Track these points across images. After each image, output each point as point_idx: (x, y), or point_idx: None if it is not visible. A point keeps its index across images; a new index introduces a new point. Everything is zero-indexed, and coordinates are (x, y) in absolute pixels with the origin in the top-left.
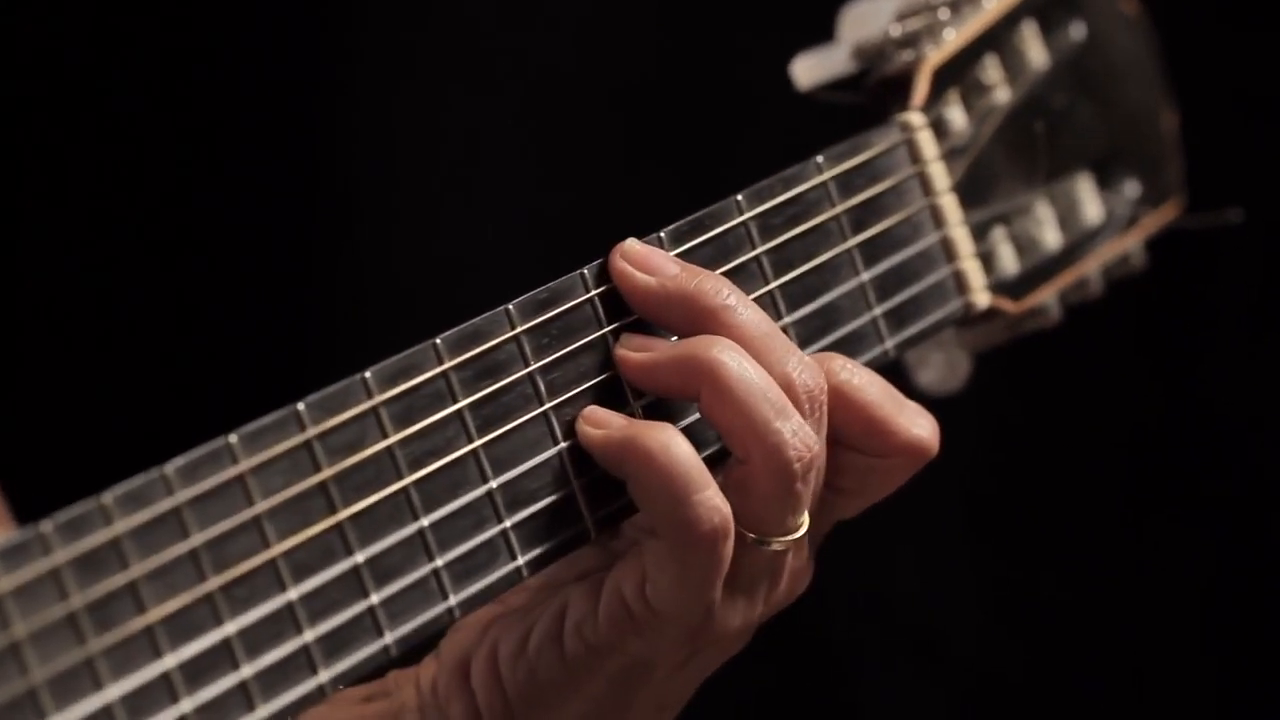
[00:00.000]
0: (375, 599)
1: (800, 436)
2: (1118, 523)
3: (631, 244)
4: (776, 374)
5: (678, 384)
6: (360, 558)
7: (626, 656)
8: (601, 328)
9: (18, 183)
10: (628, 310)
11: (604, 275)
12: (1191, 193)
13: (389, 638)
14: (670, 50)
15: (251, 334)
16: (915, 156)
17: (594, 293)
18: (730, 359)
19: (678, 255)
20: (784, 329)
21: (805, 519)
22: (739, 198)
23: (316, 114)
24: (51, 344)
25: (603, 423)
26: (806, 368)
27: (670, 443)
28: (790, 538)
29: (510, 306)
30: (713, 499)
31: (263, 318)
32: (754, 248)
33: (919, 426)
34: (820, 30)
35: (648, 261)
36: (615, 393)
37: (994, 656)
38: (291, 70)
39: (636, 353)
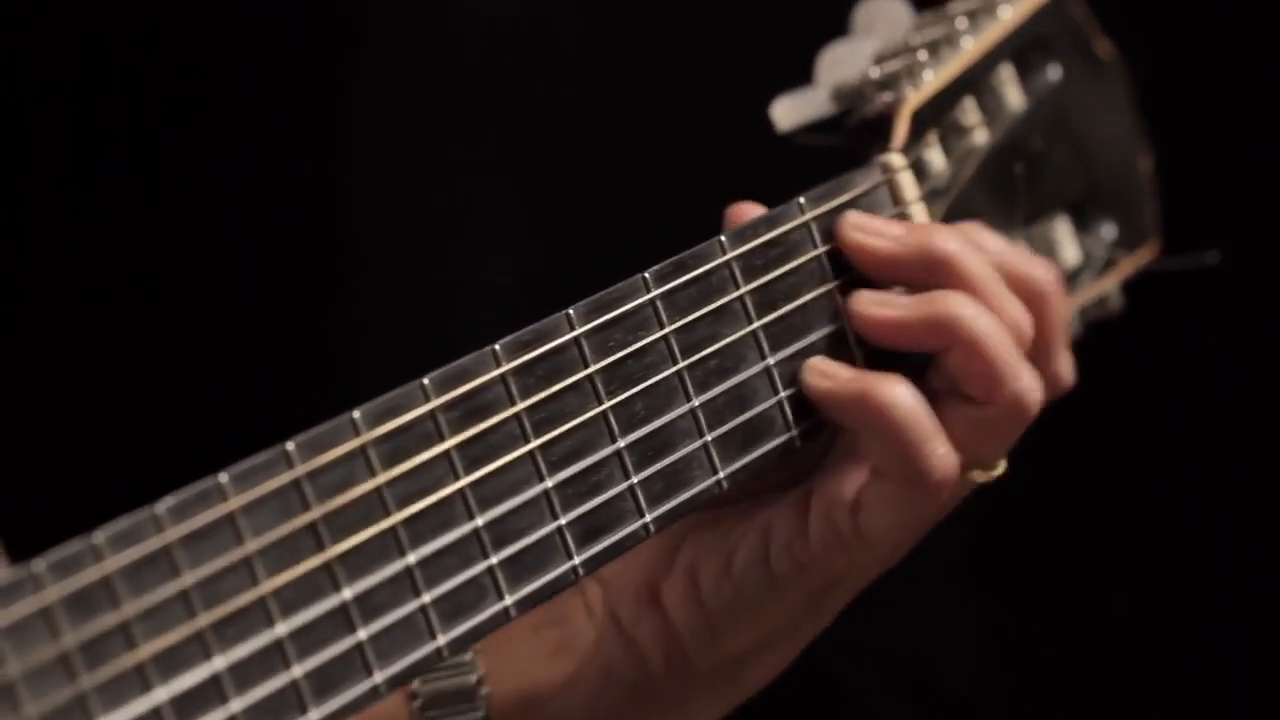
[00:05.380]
0: (363, 634)
1: (1035, 380)
2: (1117, 568)
3: (856, 215)
4: (1006, 318)
5: (925, 339)
6: (348, 594)
7: (831, 572)
8: (587, 367)
9: None
10: (616, 350)
11: (589, 315)
12: (1169, 233)
13: (378, 676)
14: (663, 89)
15: (244, 372)
16: (896, 198)
17: (579, 330)
18: (976, 314)
19: (660, 294)
20: (767, 370)
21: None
22: (722, 238)
23: (308, 150)
24: (40, 381)
25: (831, 374)
26: (1024, 311)
27: (904, 393)
28: (994, 472)
29: (497, 346)
30: (945, 449)
31: (255, 356)
32: (737, 288)
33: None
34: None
35: (875, 227)
36: (599, 431)
37: (990, 700)
38: (284, 107)
39: (880, 308)
